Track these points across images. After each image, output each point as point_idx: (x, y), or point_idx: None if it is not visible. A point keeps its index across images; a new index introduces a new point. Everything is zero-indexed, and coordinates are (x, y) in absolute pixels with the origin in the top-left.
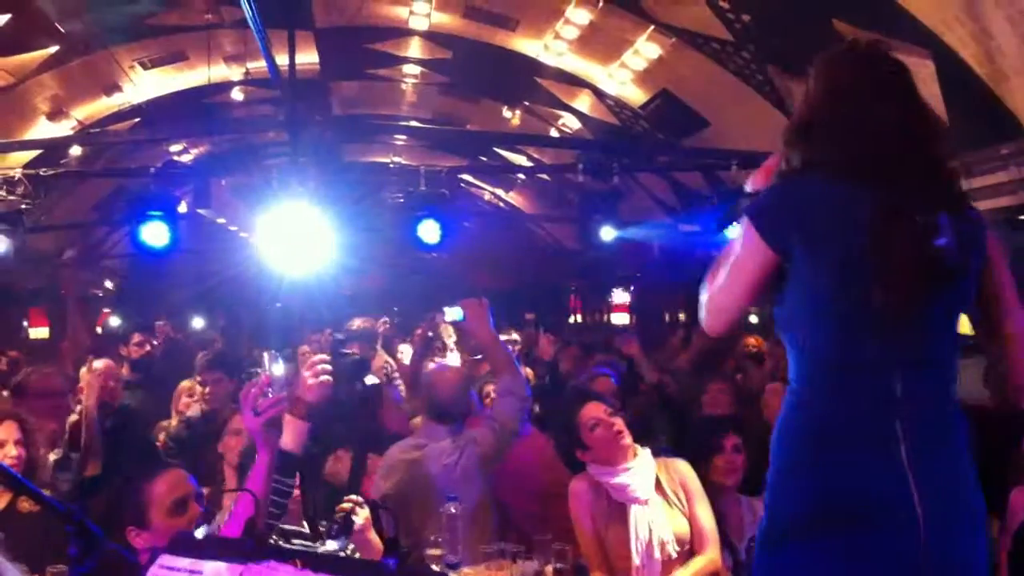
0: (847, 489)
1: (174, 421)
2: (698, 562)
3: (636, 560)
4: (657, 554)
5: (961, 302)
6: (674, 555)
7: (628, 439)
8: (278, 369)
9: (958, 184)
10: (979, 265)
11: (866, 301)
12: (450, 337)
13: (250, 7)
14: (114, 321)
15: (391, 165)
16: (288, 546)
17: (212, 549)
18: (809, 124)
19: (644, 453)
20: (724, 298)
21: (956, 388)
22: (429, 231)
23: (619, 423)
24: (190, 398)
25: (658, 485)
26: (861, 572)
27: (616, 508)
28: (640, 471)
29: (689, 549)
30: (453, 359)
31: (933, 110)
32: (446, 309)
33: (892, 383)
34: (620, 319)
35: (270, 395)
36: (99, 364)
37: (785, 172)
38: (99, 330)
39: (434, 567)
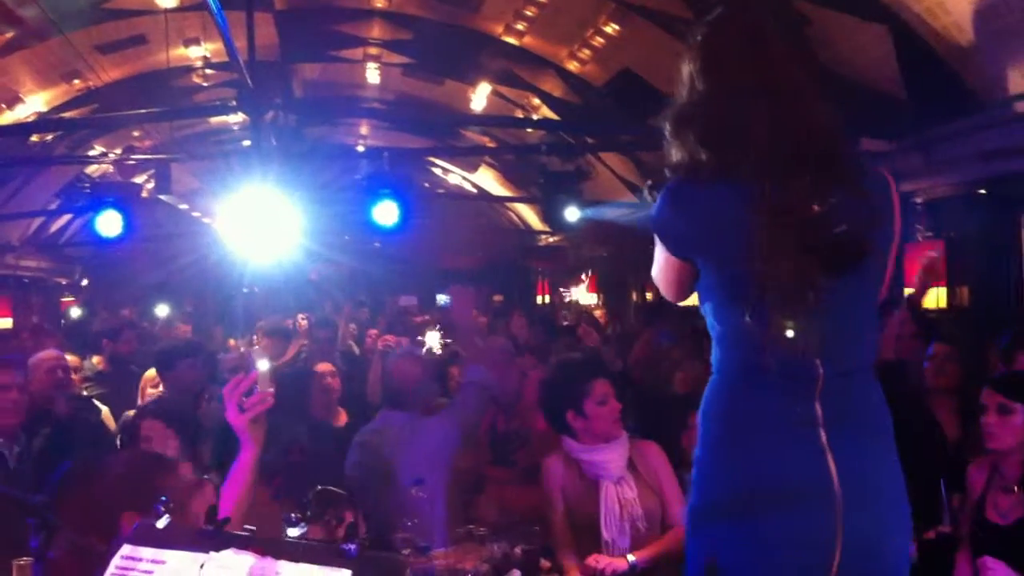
0: (768, 471)
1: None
2: (668, 537)
3: (605, 535)
4: (627, 528)
5: (872, 281)
6: (643, 531)
7: (620, 427)
8: (263, 365)
9: (853, 160)
10: (888, 240)
11: (764, 300)
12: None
13: None
14: (75, 312)
15: (356, 147)
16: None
17: (174, 539)
18: (687, 115)
19: (622, 434)
20: (660, 286)
21: (874, 370)
22: (385, 213)
23: (619, 409)
24: (155, 388)
25: (631, 464)
26: (779, 552)
27: (588, 485)
28: (616, 449)
29: (660, 526)
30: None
31: (807, 75)
32: (439, 296)
33: (812, 368)
34: (588, 299)
35: (256, 392)
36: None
37: (675, 167)
38: (64, 321)
39: (404, 551)
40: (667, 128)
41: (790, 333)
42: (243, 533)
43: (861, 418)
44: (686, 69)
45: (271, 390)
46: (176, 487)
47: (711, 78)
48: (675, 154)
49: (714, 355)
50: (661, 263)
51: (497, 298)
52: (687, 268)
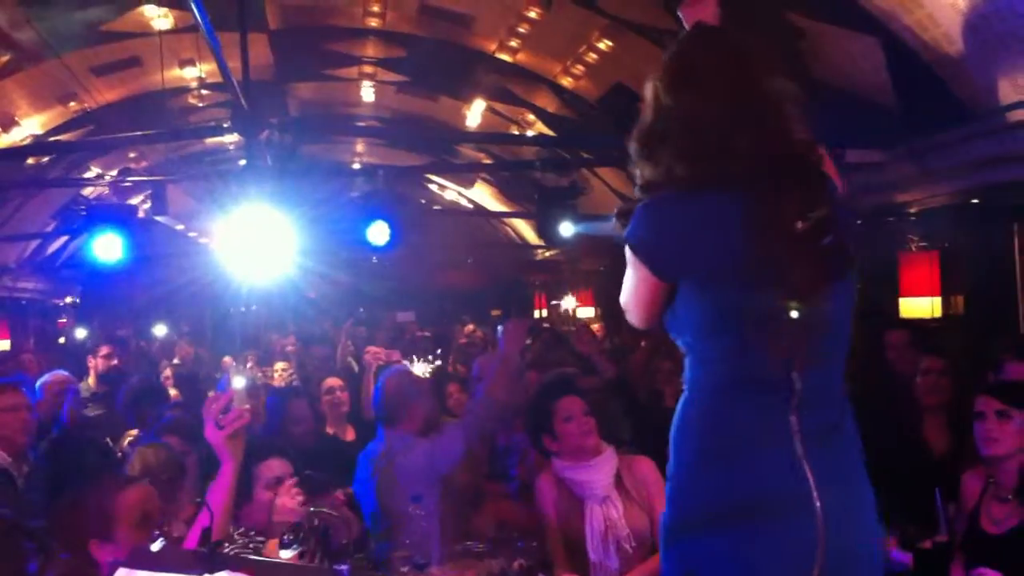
0: (745, 483)
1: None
2: (652, 561)
3: (592, 557)
4: (613, 550)
5: (850, 293)
6: (630, 551)
7: (593, 441)
8: (239, 382)
9: (823, 170)
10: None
11: (761, 315)
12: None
13: (199, 11)
14: (80, 332)
15: (352, 165)
16: (243, 555)
17: (169, 561)
18: (659, 131)
19: (608, 451)
20: (632, 311)
21: (844, 378)
22: (379, 232)
23: (591, 424)
24: None
25: (619, 482)
26: (760, 563)
27: (575, 504)
28: (601, 468)
29: (651, 544)
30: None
31: (786, 90)
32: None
33: (790, 382)
34: (585, 313)
35: (233, 408)
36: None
37: (646, 185)
38: (62, 340)
39: (402, 568)
40: (634, 147)
41: (776, 346)
42: (237, 555)
43: (835, 428)
44: (651, 87)
45: (247, 406)
46: (130, 502)
47: (684, 93)
48: (646, 173)
49: (688, 374)
50: (635, 286)
51: (495, 312)
52: (664, 289)
